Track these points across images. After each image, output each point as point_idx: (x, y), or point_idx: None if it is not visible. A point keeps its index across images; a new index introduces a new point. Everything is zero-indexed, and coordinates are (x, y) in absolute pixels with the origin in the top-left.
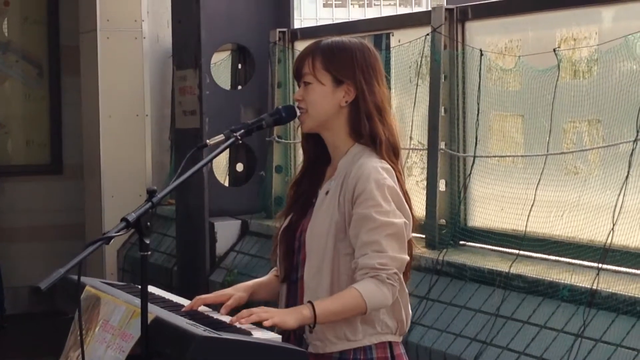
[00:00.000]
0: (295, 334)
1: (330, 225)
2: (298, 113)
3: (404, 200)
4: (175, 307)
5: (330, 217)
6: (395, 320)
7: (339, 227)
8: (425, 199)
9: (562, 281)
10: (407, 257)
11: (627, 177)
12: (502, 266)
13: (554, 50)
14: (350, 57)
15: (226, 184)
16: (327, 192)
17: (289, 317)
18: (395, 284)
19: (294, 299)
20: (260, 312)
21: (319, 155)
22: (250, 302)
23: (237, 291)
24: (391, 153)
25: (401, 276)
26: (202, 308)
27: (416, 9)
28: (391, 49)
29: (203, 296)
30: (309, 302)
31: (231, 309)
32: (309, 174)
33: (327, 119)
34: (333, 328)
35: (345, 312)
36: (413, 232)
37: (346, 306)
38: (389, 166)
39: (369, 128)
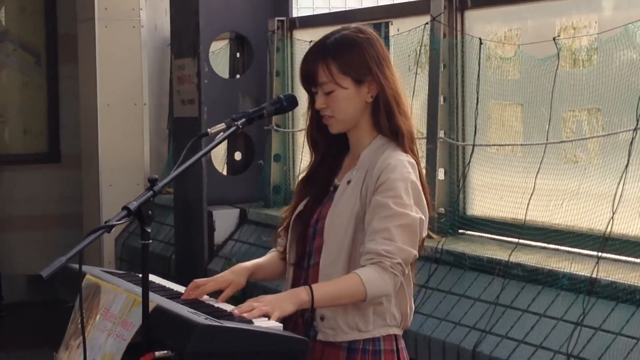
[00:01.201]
0: (304, 319)
1: (351, 215)
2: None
3: (423, 197)
4: (176, 296)
5: (352, 207)
6: (400, 313)
7: (359, 217)
8: None
9: (562, 270)
10: (415, 252)
11: (627, 165)
12: (501, 255)
13: (554, 39)
14: (362, 52)
15: (224, 172)
16: (348, 182)
17: (287, 304)
18: (398, 274)
19: (304, 285)
20: (260, 306)
21: (332, 145)
22: (249, 286)
23: (235, 275)
24: (411, 143)
25: (405, 268)
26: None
27: None
28: (390, 38)
29: (201, 281)
30: (308, 285)
31: (227, 298)
32: (325, 162)
33: (356, 119)
34: (345, 317)
35: (344, 297)
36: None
37: (345, 291)
38: (414, 161)
39: (391, 122)
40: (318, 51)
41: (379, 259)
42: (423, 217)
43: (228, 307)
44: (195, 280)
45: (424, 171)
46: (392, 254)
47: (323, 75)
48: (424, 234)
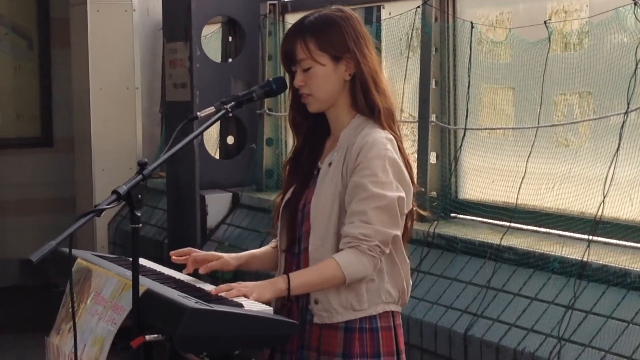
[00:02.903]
0: (299, 304)
1: (334, 197)
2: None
3: (405, 172)
4: (166, 280)
5: (334, 189)
6: (397, 290)
7: (342, 198)
8: (416, 172)
9: (553, 253)
10: (394, 232)
11: (617, 149)
12: (493, 238)
13: (545, 22)
14: (340, 30)
15: (217, 156)
16: (330, 164)
17: (265, 291)
18: (376, 256)
19: (295, 270)
20: (239, 287)
21: (314, 128)
22: (240, 273)
23: (228, 257)
24: (390, 120)
25: (384, 249)
26: (192, 279)
27: None
28: (382, 22)
29: (194, 250)
30: (286, 274)
31: (212, 270)
32: (307, 146)
33: (334, 97)
34: (339, 297)
35: (322, 283)
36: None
37: (323, 277)
38: (392, 136)
39: (367, 100)
40: (296, 30)
41: (356, 242)
42: (402, 194)
43: (209, 287)
44: (191, 248)
45: (414, 152)
46: (369, 237)
47: (301, 52)
48: (408, 208)
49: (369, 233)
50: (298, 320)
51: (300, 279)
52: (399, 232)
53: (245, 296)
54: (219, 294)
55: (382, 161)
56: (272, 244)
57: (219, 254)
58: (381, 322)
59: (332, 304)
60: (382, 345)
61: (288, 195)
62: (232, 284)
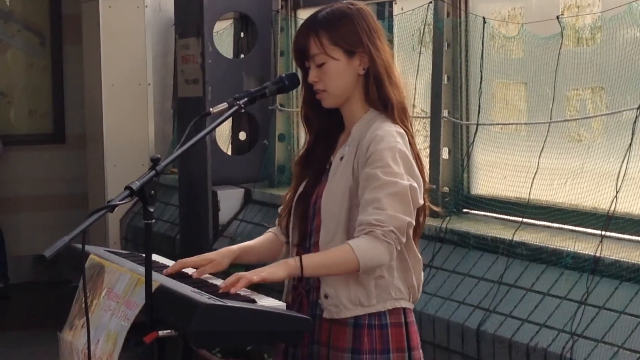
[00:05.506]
0: (309, 299)
1: (345, 191)
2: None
3: (414, 165)
4: (179, 275)
5: (345, 183)
6: (407, 286)
7: (353, 192)
8: (428, 167)
9: (566, 248)
10: (409, 219)
11: (630, 144)
12: (505, 234)
13: (557, 17)
14: (353, 24)
15: (229, 152)
16: (341, 158)
17: (278, 268)
18: (391, 242)
19: None
20: (247, 274)
21: (327, 123)
22: (235, 266)
23: (220, 256)
24: (402, 115)
25: (400, 236)
26: (205, 275)
27: None
28: (394, 17)
29: (185, 260)
30: (299, 256)
31: (204, 274)
32: (320, 141)
33: (348, 92)
34: (348, 293)
35: (335, 266)
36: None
37: (336, 260)
38: (403, 131)
39: (381, 94)
40: (309, 25)
41: (370, 228)
42: (414, 184)
43: (217, 282)
44: (180, 260)
45: (426, 147)
46: (384, 222)
47: (314, 46)
48: (421, 202)
49: (382, 219)
50: (308, 314)
51: (312, 260)
52: (413, 221)
53: (256, 278)
54: (228, 288)
55: (393, 152)
56: (268, 233)
57: (210, 256)
58: (391, 319)
59: (341, 299)
60: (391, 341)
61: (300, 189)
62: (240, 273)
